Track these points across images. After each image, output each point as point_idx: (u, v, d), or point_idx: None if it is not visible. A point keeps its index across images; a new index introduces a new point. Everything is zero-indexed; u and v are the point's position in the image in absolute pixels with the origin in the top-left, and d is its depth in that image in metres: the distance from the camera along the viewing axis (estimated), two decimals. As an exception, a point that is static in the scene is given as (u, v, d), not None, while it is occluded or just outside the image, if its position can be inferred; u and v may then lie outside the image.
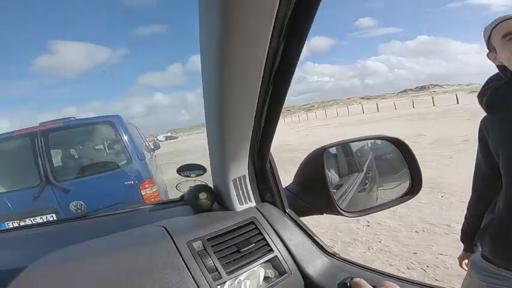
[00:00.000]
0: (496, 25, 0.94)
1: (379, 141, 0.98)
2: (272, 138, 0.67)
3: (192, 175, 1.22)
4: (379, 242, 2.70)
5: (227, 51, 0.41)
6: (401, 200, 0.83)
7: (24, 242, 0.89)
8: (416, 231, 2.90)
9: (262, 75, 0.48)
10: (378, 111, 32.65)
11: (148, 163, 3.44)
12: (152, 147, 4.79)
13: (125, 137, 3.16)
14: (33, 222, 2.79)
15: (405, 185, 0.85)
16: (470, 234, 1.14)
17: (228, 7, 0.34)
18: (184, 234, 0.64)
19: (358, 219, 3.14)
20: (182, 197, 1.03)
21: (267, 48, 0.43)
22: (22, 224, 2.80)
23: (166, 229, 0.68)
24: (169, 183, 3.98)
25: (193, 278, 0.56)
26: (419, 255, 2.43)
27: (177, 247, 0.60)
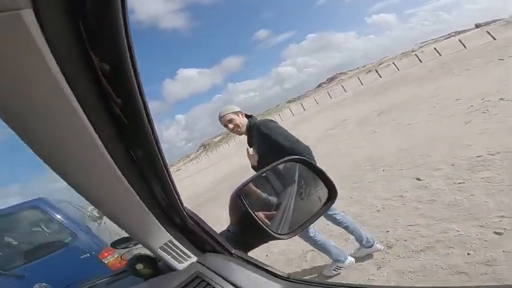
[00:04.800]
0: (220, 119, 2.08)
1: (288, 164, 0.99)
2: (176, 191, 0.61)
3: (130, 245, 1.23)
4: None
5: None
6: (325, 208, 0.88)
7: None
8: (378, 210, 3.01)
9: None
10: (304, 110, 35.31)
11: (98, 232, 3.34)
12: (98, 214, 4.42)
13: (58, 216, 3.07)
14: None
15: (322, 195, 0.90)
16: None
17: None
18: None
19: (321, 218, 3.29)
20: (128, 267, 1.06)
21: None
22: None
23: None
24: None
25: None
26: (392, 232, 2.51)
27: None
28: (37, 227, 3.24)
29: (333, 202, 0.87)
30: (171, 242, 0.70)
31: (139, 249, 1.08)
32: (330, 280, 2.26)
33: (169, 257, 0.71)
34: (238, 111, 2.05)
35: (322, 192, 0.90)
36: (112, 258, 3.03)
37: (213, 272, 0.70)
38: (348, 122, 9.85)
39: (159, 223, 0.63)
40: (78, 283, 1.10)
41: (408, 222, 2.56)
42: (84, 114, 0.32)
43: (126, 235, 1.07)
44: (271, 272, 0.70)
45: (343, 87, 33.08)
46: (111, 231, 3.83)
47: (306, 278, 2.38)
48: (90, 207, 4.39)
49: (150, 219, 0.60)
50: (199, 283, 0.67)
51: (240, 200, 0.78)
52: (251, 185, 0.85)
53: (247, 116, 2.10)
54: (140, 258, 0.79)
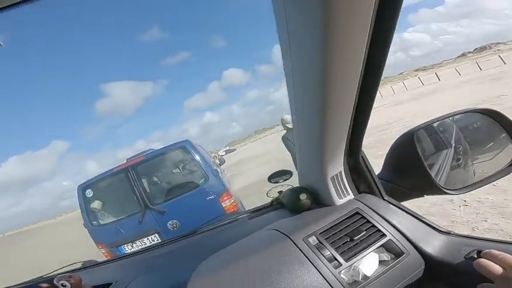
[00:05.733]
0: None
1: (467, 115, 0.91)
2: (364, 132, 0.69)
3: (280, 181, 1.30)
4: (485, 220, 2.37)
5: (329, 49, 0.41)
6: (507, 170, 0.78)
7: (167, 258, 1.01)
8: None
9: (361, 71, 0.50)
10: (439, 80, 28.96)
11: (221, 177, 3.66)
12: (218, 162, 5.08)
13: (197, 157, 3.44)
14: (142, 243, 3.20)
15: (505, 155, 0.79)
16: None
17: (328, 8, 0.36)
18: (297, 232, 0.71)
19: (452, 200, 2.83)
20: (273, 202, 1.11)
21: (367, 40, 0.44)
22: (134, 246, 3.22)
23: (279, 231, 0.75)
24: (238, 193, 4.13)
25: (316, 269, 0.61)
26: None
27: (295, 244, 0.67)
28: (181, 166, 3.73)
29: None
30: (340, 174, 0.76)
31: (283, 188, 1.19)
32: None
33: (333, 189, 0.77)
34: None
35: (496, 153, 0.82)
36: (229, 203, 3.29)
37: (373, 211, 0.72)
38: (505, 98, 7.56)
39: (342, 152, 0.70)
40: (211, 222, 1.21)
41: None
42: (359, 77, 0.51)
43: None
44: (430, 224, 0.68)
45: (501, 58, 24.87)
46: (227, 179, 4.32)
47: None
48: (212, 154, 4.94)
49: (341, 143, 0.67)
50: (359, 219, 0.71)
51: (412, 144, 0.74)
52: (423, 130, 0.79)
53: None
54: (303, 189, 0.84)
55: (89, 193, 3.38)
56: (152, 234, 3.21)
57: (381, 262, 0.64)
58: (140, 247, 3.18)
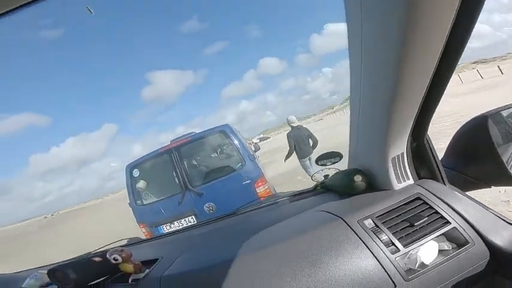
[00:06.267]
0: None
1: None
2: (432, 115, 0.65)
3: (328, 163, 1.25)
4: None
5: (410, 28, 0.41)
6: None
7: (209, 236, 1.02)
8: None
9: (441, 50, 0.47)
10: (502, 73, 25.47)
11: (257, 163, 3.66)
12: (253, 149, 5.11)
13: (236, 142, 3.47)
14: (180, 224, 3.26)
15: None
16: None
17: None
18: (352, 214, 0.67)
19: (508, 201, 2.56)
20: (317, 186, 1.07)
21: (452, 18, 0.42)
22: (172, 226, 3.27)
23: (329, 212, 0.72)
24: (271, 181, 4.12)
25: (372, 252, 0.59)
26: None
27: (350, 226, 0.64)
28: (219, 150, 3.78)
29: None
30: (402, 155, 0.72)
31: (329, 172, 1.16)
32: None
33: (392, 172, 0.73)
34: None
35: None
36: (263, 189, 3.25)
37: (437, 197, 0.68)
38: None
39: (407, 132, 0.66)
40: (247, 205, 1.20)
41: None
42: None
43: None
44: (500, 216, 0.64)
45: None
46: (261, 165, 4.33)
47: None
48: (247, 142, 4.97)
49: (408, 122, 0.64)
50: (420, 205, 0.68)
51: (485, 129, 0.69)
52: (500, 114, 0.73)
53: None
54: (357, 171, 0.81)
55: (136, 173, 3.53)
56: (189, 216, 3.27)
57: (440, 252, 0.60)
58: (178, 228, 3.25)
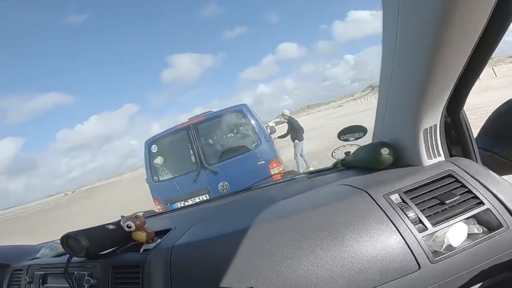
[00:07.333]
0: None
1: None
2: (471, 89, 0.60)
3: (351, 138, 1.16)
4: None
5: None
6: None
7: (223, 208, 1.01)
8: None
9: (484, 24, 0.44)
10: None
11: (273, 144, 3.63)
12: (269, 131, 5.07)
13: (253, 122, 3.44)
14: (193, 202, 3.16)
15: None
16: None
17: None
18: (377, 188, 0.63)
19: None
20: (336, 164, 1.04)
21: None
22: (186, 204, 3.21)
23: (352, 186, 0.68)
24: (286, 164, 4.06)
25: (397, 229, 0.55)
26: None
27: (374, 200, 0.60)
28: (236, 129, 3.77)
29: None
30: (435, 127, 0.67)
31: (351, 148, 1.10)
32: None
33: (423, 146, 0.69)
34: None
35: None
36: (277, 171, 3.20)
37: (471, 176, 0.63)
38: None
39: (443, 103, 0.62)
40: (263, 182, 1.17)
41: None
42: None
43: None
44: None
45: None
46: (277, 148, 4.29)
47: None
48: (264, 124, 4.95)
49: (445, 93, 0.60)
50: (452, 182, 0.64)
51: None
52: None
53: None
54: (384, 143, 0.76)
55: (154, 148, 3.57)
56: (203, 194, 3.29)
57: (469, 235, 0.56)
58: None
